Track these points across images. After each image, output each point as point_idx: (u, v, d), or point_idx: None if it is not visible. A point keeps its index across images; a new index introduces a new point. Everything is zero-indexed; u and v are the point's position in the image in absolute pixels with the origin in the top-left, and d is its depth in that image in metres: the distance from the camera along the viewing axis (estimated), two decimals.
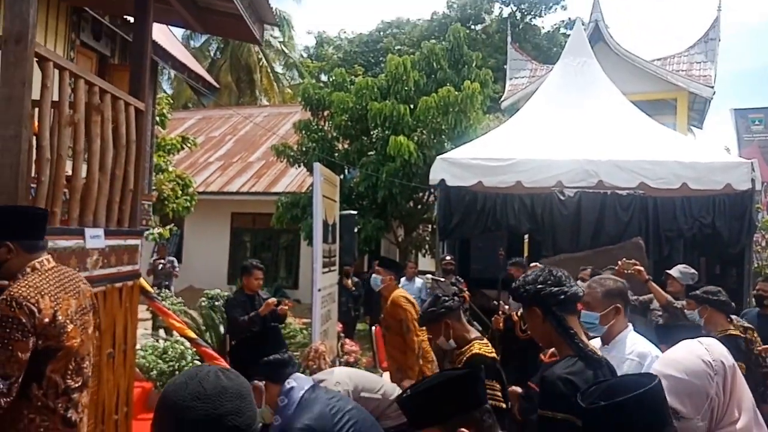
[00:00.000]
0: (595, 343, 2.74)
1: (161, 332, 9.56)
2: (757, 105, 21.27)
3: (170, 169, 12.89)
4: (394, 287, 5.67)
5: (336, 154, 13.01)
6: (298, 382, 2.64)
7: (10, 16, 3.11)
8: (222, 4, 5.10)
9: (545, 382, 2.22)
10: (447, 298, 3.50)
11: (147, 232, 10.21)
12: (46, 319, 2.40)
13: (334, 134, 13.37)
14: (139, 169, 4.51)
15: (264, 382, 2.61)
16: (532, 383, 2.86)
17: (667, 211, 7.95)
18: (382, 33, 31.53)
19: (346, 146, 13.32)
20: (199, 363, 6.19)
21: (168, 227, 12.14)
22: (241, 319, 5.76)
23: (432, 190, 11.32)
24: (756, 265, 10.63)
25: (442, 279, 8.22)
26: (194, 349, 6.54)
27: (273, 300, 6.01)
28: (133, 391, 4.67)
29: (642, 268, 5.88)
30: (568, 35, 18.72)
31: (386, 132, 11.97)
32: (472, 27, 28.27)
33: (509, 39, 19.55)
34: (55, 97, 3.48)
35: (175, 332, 7.06)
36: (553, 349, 3.06)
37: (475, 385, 1.75)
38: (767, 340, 4.72)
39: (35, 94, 3.23)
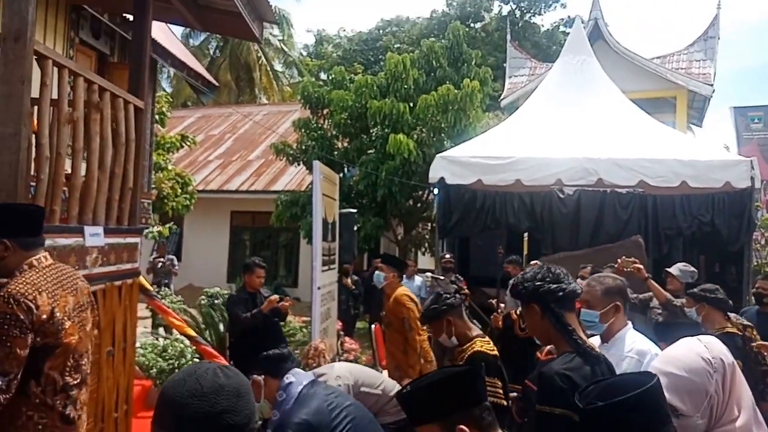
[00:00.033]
0: (595, 342, 2.75)
1: (161, 330, 9.57)
2: (756, 103, 21.29)
3: (170, 167, 12.90)
4: (396, 284, 5.64)
5: (335, 153, 13.00)
6: (297, 378, 2.64)
7: (8, 14, 3.11)
8: (221, 2, 5.09)
9: (543, 378, 2.23)
10: (449, 296, 3.51)
11: (146, 231, 10.20)
12: (44, 316, 2.40)
13: (334, 132, 13.37)
14: (138, 167, 4.51)
15: (263, 376, 2.61)
16: (529, 381, 2.86)
17: (667, 209, 7.95)
18: (381, 31, 31.56)
19: (345, 144, 13.31)
20: (198, 361, 6.19)
21: (167, 226, 12.14)
22: (244, 316, 5.77)
23: (431, 188, 11.32)
24: (755, 263, 10.63)
25: (442, 277, 8.22)
26: (194, 347, 6.54)
27: (276, 297, 6.01)
28: (133, 389, 4.67)
29: (641, 266, 5.89)
30: (568, 33, 18.73)
31: (386, 130, 11.97)
32: (472, 25, 28.29)
33: (509, 37, 19.56)
34: (55, 95, 3.48)
35: (174, 330, 7.07)
36: (549, 347, 3.07)
37: (475, 383, 1.74)
38: (766, 338, 4.72)
39: (34, 92, 3.22)
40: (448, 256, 8.67)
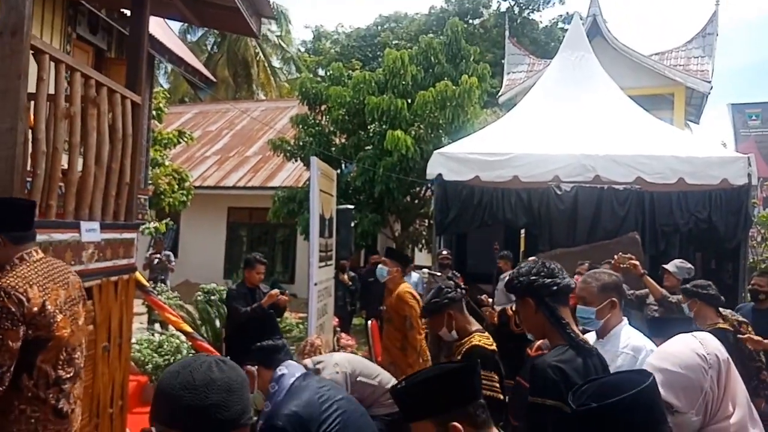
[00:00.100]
0: (590, 338, 2.75)
1: (157, 326, 9.54)
2: (754, 100, 21.34)
3: (167, 163, 12.87)
4: (400, 280, 5.61)
5: (333, 149, 12.99)
6: (290, 369, 2.64)
7: (5, 8, 3.10)
8: None
9: (536, 370, 2.24)
10: (450, 290, 3.51)
11: (143, 227, 10.20)
12: (35, 309, 2.40)
13: (331, 128, 13.35)
14: (135, 162, 4.51)
15: (257, 367, 2.61)
16: (521, 378, 2.87)
17: (664, 205, 7.95)
18: (379, 27, 31.55)
19: (343, 141, 13.30)
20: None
21: (164, 221, 12.14)
22: (243, 310, 5.78)
23: (429, 185, 11.32)
24: (751, 260, 10.67)
25: (439, 273, 8.21)
26: (190, 343, 6.55)
27: (276, 291, 6.02)
28: (129, 385, 4.68)
29: (638, 263, 5.89)
30: (566, 30, 18.65)
31: (383, 126, 11.96)
32: (470, 21, 28.28)
33: (507, 33, 19.54)
34: (51, 90, 3.47)
35: (170, 326, 7.07)
36: (539, 343, 3.07)
37: (470, 380, 1.73)
38: (762, 335, 4.72)
39: (31, 87, 3.22)
40: (445, 252, 8.67)
